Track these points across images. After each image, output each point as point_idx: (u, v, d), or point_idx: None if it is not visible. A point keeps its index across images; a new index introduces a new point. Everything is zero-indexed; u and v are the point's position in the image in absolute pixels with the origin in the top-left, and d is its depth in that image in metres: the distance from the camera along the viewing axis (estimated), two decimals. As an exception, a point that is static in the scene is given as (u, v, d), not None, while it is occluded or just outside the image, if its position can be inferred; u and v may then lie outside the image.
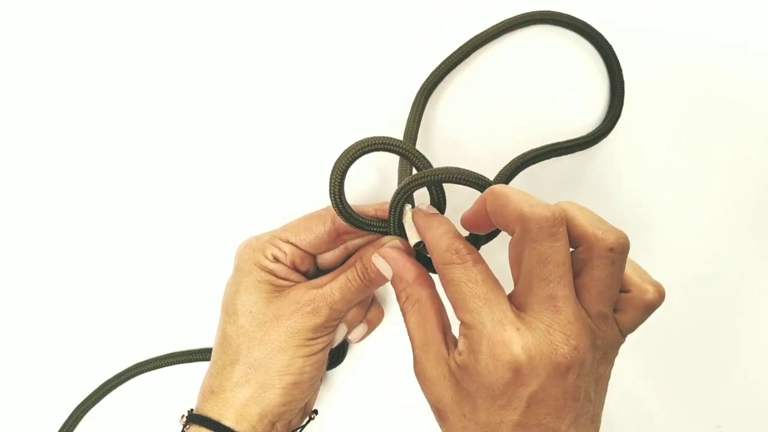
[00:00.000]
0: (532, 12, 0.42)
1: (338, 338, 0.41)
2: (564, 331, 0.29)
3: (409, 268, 0.35)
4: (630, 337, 0.45)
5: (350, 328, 0.42)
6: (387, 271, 0.36)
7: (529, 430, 0.29)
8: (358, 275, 0.38)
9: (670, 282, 0.43)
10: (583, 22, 0.42)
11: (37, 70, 0.45)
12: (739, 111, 0.42)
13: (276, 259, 0.39)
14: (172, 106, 0.45)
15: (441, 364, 0.31)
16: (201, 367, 0.46)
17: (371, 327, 0.44)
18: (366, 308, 0.43)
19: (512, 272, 0.31)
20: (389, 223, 0.37)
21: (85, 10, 0.44)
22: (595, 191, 0.44)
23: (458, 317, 0.30)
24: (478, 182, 0.33)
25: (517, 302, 0.30)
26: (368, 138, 0.35)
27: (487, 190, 0.31)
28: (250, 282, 0.38)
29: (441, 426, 0.32)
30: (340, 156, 0.35)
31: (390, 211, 0.37)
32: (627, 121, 0.42)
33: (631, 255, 0.44)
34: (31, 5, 0.44)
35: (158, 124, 0.45)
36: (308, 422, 0.43)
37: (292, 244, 0.39)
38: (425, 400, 0.33)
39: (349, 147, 0.35)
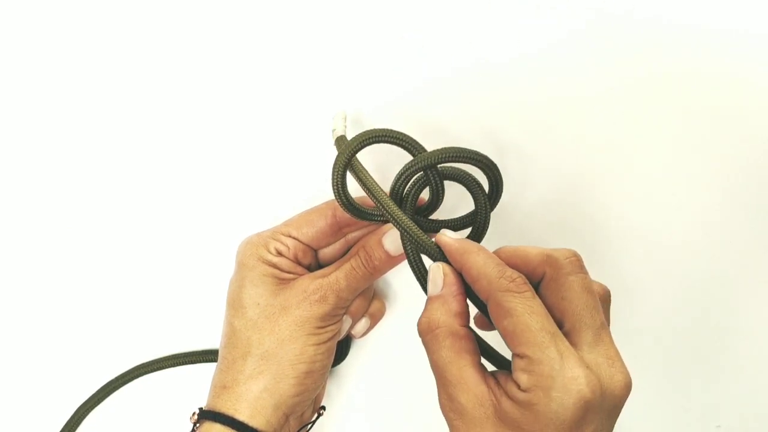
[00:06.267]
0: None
1: (344, 330, 0.42)
2: (620, 363, 0.30)
3: (459, 298, 0.32)
4: (629, 338, 0.45)
5: (354, 321, 0.43)
6: (437, 287, 0.33)
7: None
8: (362, 263, 0.39)
9: (670, 281, 0.44)
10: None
11: (34, 71, 0.45)
12: (739, 111, 0.42)
13: (279, 253, 0.39)
14: (170, 107, 0.45)
15: (484, 404, 0.29)
16: (203, 369, 0.46)
17: (374, 321, 0.45)
18: (369, 301, 0.44)
19: (554, 315, 0.30)
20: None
21: (82, 11, 0.45)
22: (594, 191, 0.45)
23: (518, 351, 0.29)
24: (476, 158, 0.35)
25: (569, 340, 0.30)
26: (369, 130, 0.36)
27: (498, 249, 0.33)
28: (255, 276, 0.38)
29: None
30: (343, 148, 0.36)
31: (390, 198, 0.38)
32: (627, 120, 0.43)
33: (632, 254, 0.45)
34: (30, 5, 0.45)
35: (158, 127, 0.45)
36: (318, 418, 0.43)
37: (294, 238, 0.40)
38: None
39: (352, 139, 0.36)
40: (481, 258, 0.31)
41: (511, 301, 0.29)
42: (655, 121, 0.42)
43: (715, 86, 0.42)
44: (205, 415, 0.37)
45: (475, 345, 0.32)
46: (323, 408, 0.43)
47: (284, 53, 0.44)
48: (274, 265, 0.39)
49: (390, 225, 0.39)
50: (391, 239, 0.38)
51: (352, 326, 0.43)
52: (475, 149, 0.35)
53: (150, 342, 0.47)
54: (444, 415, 0.31)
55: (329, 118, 0.42)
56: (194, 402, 0.39)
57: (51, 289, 0.46)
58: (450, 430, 0.31)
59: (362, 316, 0.43)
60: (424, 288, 0.35)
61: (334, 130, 0.40)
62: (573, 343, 0.29)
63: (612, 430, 0.30)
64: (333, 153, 0.37)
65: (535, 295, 0.30)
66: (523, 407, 0.28)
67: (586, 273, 0.31)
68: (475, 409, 0.29)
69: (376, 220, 0.39)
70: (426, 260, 0.36)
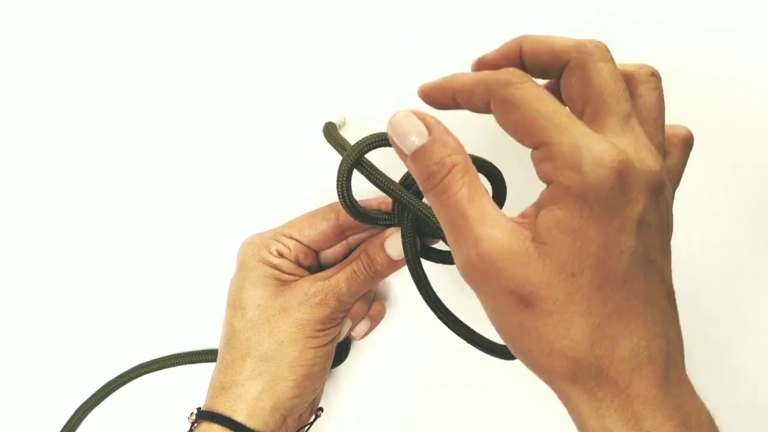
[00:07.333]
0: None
1: (344, 332, 0.42)
2: (649, 148, 0.26)
3: (452, 136, 0.28)
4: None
5: (354, 323, 0.43)
6: (422, 135, 0.27)
7: (645, 268, 0.25)
8: (364, 266, 0.38)
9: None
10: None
11: (35, 73, 0.45)
12: (739, 111, 0.42)
13: (280, 255, 0.39)
14: (173, 108, 0.45)
15: (520, 237, 0.25)
16: (203, 369, 0.46)
17: (374, 323, 0.45)
18: (369, 303, 0.44)
19: (574, 107, 0.28)
20: (393, 215, 0.38)
21: (82, 11, 0.45)
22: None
23: (533, 141, 0.25)
24: (480, 164, 0.34)
25: (591, 128, 0.26)
26: (375, 134, 0.35)
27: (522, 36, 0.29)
28: (255, 277, 0.38)
29: (528, 315, 0.25)
30: (348, 151, 0.35)
31: (393, 202, 0.38)
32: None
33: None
34: (30, 5, 0.45)
35: (160, 128, 0.46)
36: (316, 419, 0.43)
37: (295, 240, 0.40)
38: (485, 299, 0.26)
39: (357, 142, 0.35)
40: (464, 75, 0.28)
41: (514, 93, 0.26)
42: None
43: (715, 86, 0.42)
44: (203, 416, 0.37)
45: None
46: (321, 409, 0.43)
47: (286, 55, 0.44)
48: (275, 267, 0.39)
49: (393, 229, 0.39)
50: (394, 243, 0.38)
51: (352, 328, 0.43)
52: (478, 155, 0.35)
53: (150, 342, 0.47)
54: (469, 280, 0.26)
55: (330, 119, 0.42)
56: (193, 402, 0.39)
57: (51, 290, 0.46)
58: (480, 299, 0.27)
59: (362, 318, 0.43)
60: (423, 291, 0.35)
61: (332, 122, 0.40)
62: (597, 129, 0.26)
63: (666, 223, 0.26)
64: (334, 154, 0.37)
65: (539, 85, 0.26)
66: (559, 200, 0.24)
67: (613, 62, 0.27)
68: (511, 243, 0.25)
69: (379, 224, 0.39)
70: (425, 264, 0.36)
